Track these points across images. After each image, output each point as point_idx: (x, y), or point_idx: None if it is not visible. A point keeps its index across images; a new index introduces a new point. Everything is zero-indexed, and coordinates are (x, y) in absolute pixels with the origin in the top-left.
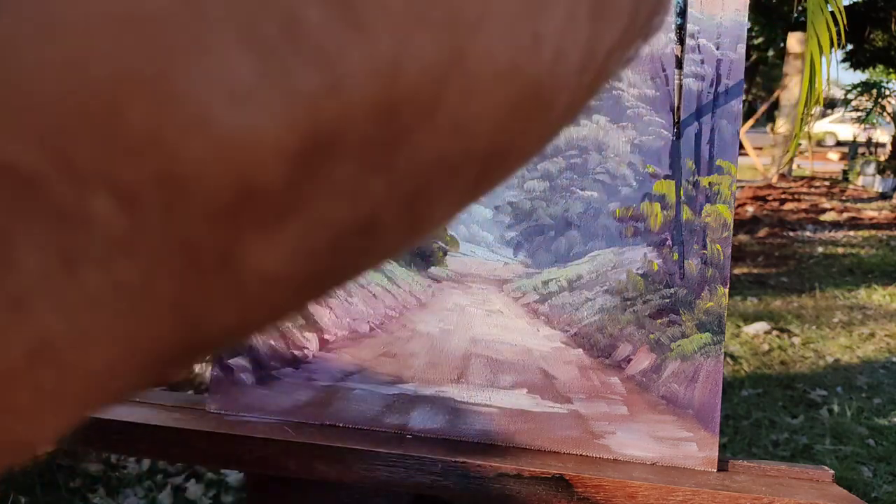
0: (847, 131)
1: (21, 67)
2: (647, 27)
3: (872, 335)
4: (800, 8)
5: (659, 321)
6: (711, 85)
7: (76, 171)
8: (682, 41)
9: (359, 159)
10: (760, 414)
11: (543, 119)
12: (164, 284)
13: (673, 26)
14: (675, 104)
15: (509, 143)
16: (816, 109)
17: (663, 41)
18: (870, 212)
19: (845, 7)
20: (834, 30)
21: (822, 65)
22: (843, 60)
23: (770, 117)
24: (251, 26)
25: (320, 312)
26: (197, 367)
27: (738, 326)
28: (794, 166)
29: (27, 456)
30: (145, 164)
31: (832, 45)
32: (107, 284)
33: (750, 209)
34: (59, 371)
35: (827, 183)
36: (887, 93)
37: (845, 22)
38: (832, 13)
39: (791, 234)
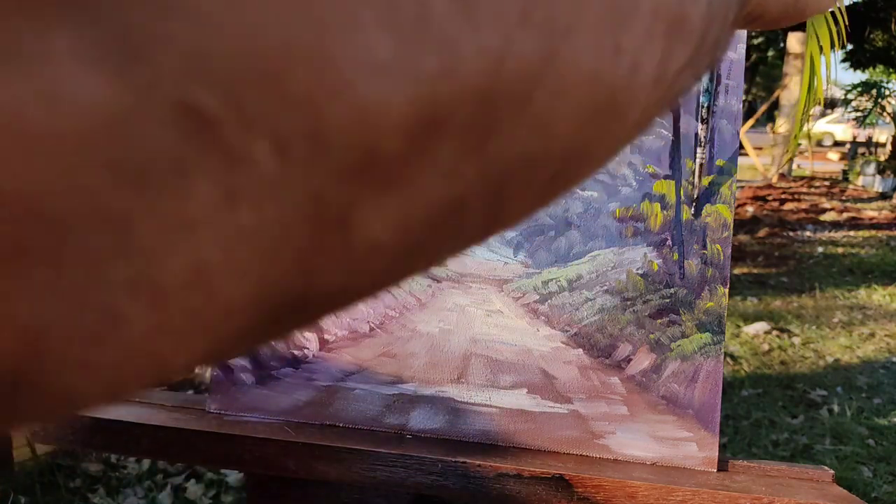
0: (843, 131)
1: (213, 26)
2: (714, 50)
3: (872, 335)
4: None
5: (659, 321)
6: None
7: (246, 118)
8: (705, 121)
9: (459, 141)
10: (760, 414)
11: (616, 127)
12: (295, 230)
13: (696, 105)
14: (696, 180)
15: (585, 147)
16: (816, 109)
17: None
18: (870, 212)
19: (845, 7)
20: (834, 29)
21: (821, 65)
22: (843, 60)
23: (770, 117)
24: (391, 9)
25: None
26: (197, 368)
27: (738, 326)
28: (795, 166)
29: (161, 378)
30: (300, 118)
31: (832, 44)
32: (256, 223)
33: (750, 209)
34: (206, 297)
35: (827, 183)
36: (887, 93)
37: (846, 21)
38: (832, 12)
39: (791, 234)
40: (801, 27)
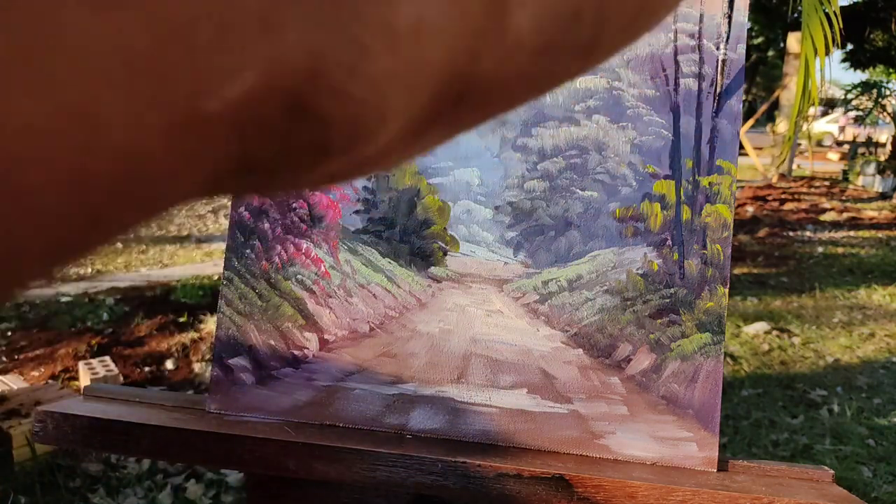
0: (839, 130)
1: None
2: None
3: (872, 335)
4: (799, 8)
5: (659, 321)
6: (711, 85)
7: None
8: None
9: None
10: (760, 414)
11: None
12: (475, 5)
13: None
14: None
15: None
16: (812, 110)
17: (663, 41)
18: (870, 212)
19: (845, 7)
20: (829, 32)
21: (816, 67)
22: (843, 60)
23: (770, 117)
24: None
25: (320, 312)
26: (197, 367)
27: (738, 326)
28: (795, 166)
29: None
30: None
31: (827, 46)
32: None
33: (750, 209)
34: (420, 51)
35: (827, 183)
36: (887, 93)
37: (841, 24)
38: (827, 15)
39: (791, 234)
40: (801, 27)
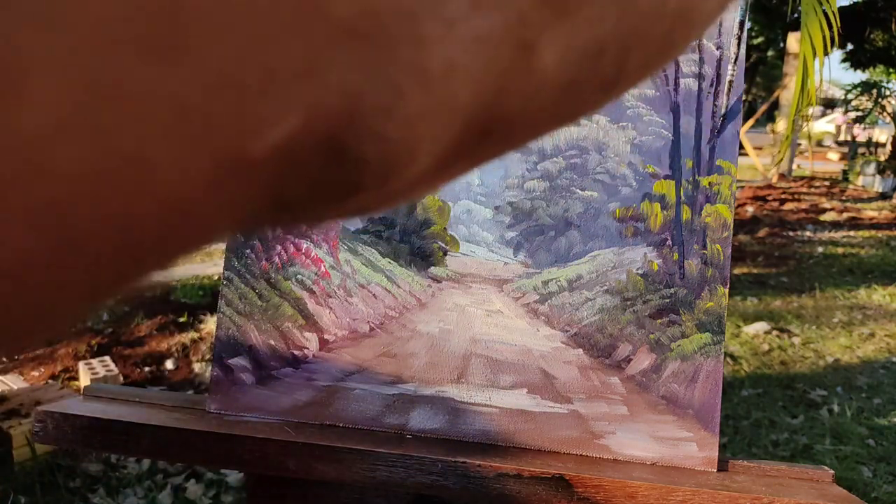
0: (830, 128)
1: None
2: None
3: (872, 335)
4: (799, 8)
5: (659, 321)
6: (711, 85)
7: None
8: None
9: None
10: (760, 414)
11: None
12: (503, 47)
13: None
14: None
15: (692, 7)
16: (811, 110)
17: None
18: (870, 212)
19: (845, 7)
20: (828, 31)
21: (815, 66)
22: (843, 60)
23: (770, 117)
24: None
25: (320, 312)
26: (197, 367)
27: (738, 326)
28: (795, 166)
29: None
30: None
31: (826, 46)
32: (486, 29)
33: (750, 209)
34: (449, 92)
35: (827, 183)
36: (887, 93)
37: (839, 24)
38: (826, 14)
39: (791, 234)
40: (800, 27)
